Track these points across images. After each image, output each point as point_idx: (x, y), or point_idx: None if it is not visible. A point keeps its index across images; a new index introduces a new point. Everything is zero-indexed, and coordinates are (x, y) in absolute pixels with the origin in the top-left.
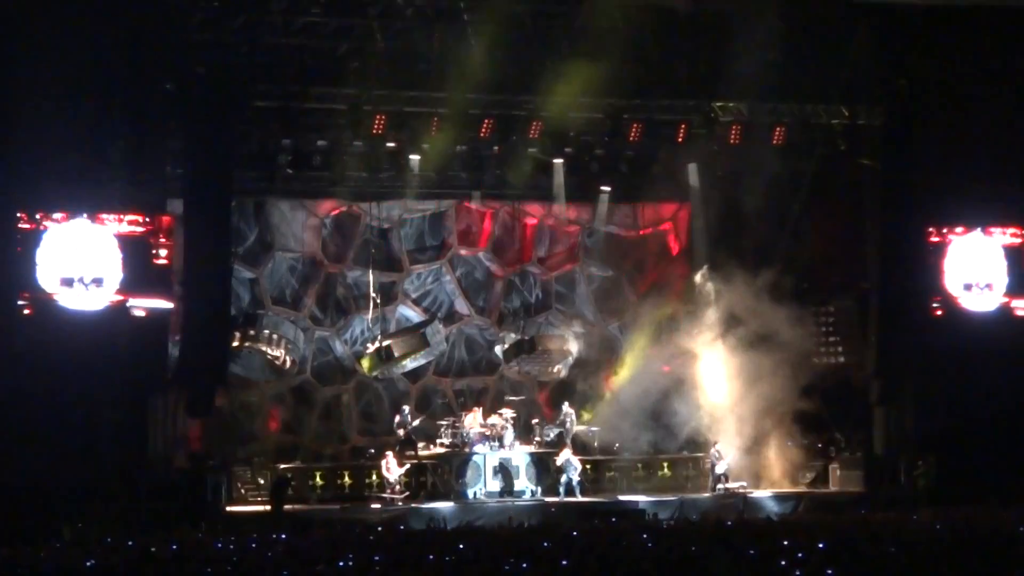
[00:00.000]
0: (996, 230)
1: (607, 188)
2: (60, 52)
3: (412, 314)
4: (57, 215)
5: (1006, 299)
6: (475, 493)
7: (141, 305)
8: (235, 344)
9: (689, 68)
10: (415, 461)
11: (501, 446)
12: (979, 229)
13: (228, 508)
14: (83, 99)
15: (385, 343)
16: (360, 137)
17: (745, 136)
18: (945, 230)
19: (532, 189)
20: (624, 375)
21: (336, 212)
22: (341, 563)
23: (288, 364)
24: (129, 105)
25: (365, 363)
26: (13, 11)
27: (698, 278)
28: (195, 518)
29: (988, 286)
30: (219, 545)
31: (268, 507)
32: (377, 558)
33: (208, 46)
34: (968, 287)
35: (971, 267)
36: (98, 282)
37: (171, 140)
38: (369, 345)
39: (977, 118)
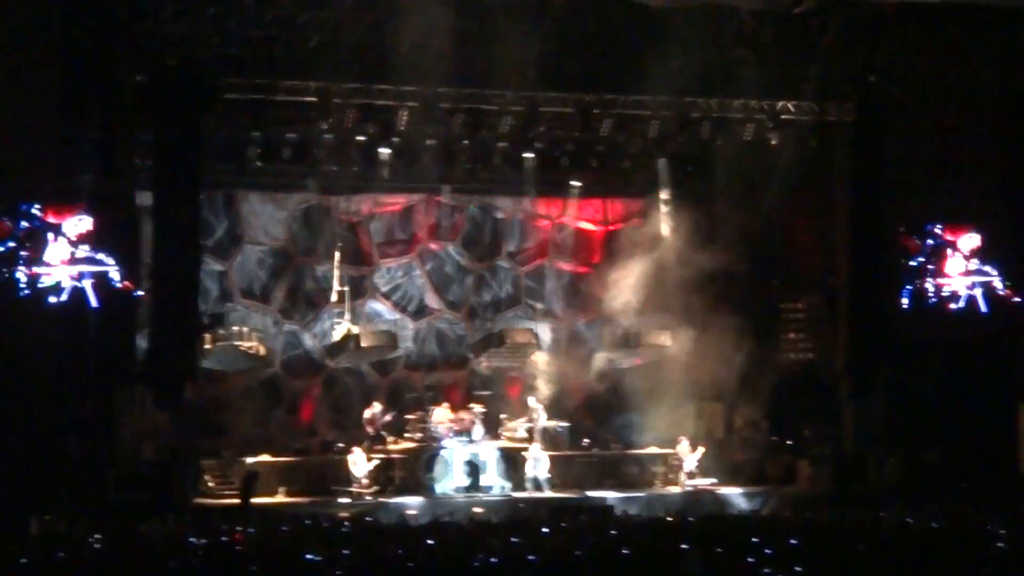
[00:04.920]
0: (969, 227)
1: (577, 183)
2: (30, 42)
3: (382, 308)
4: (29, 207)
5: (978, 296)
6: (443, 488)
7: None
8: (207, 346)
9: (660, 63)
10: (384, 456)
11: (470, 441)
12: (952, 226)
13: (196, 501)
14: (52, 90)
15: (354, 331)
16: (330, 130)
17: (716, 132)
18: (917, 227)
19: (502, 183)
20: (593, 370)
21: (306, 205)
22: (309, 556)
23: (263, 352)
24: (98, 97)
25: (332, 348)
26: None
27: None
28: (163, 511)
29: (960, 283)
30: (187, 538)
31: (236, 500)
32: (345, 552)
33: (178, 38)
34: (939, 284)
35: (942, 264)
36: (69, 273)
37: (140, 132)
38: (336, 327)
39: (949, 115)
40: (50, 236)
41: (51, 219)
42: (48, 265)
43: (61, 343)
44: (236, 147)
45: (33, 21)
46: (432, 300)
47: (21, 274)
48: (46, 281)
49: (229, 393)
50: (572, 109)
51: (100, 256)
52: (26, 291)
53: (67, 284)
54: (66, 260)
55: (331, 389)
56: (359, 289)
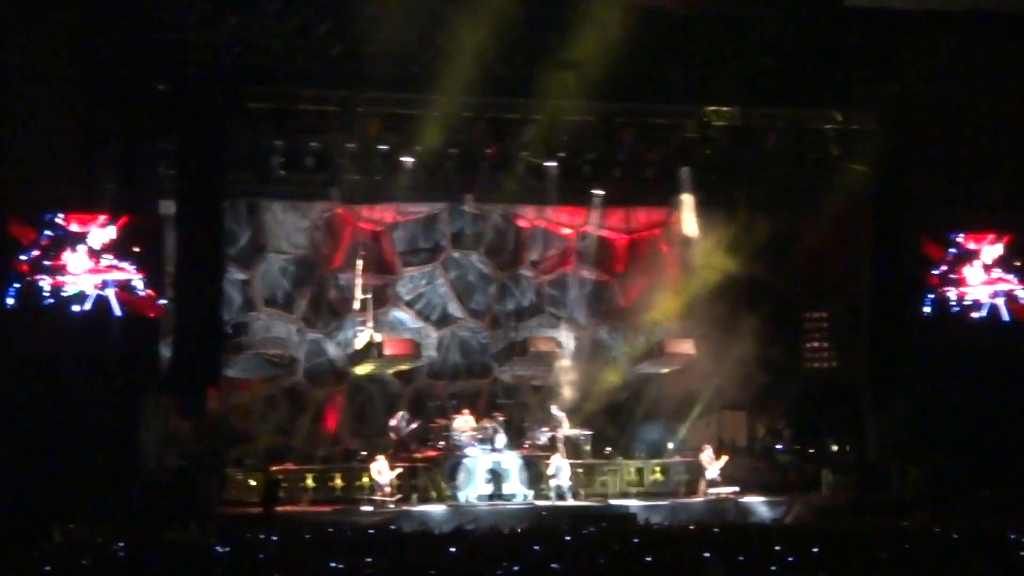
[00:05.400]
0: (991, 236)
1: (600, 192)
2: (52, 52)
3: (405, 317)
4: (52, 216)
5: (1000, 305)
6: (466, 496)
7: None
8: (231, 355)
9: (682, 72)
10: (407, 464)
11: (493, 449)
12: (974, 235)
13: (219, 509)
14: (75, 100)
15: (376, 338)
16: (353, 139)
17: (738, 141)
18: (941, 236)
19: (525, 192)
20: (615, 379)
21: (328, 214)
22: (332, 564)
23: (287, 359)
24: (121, 106)
25: (354, 355)
26: (4, 11)
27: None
28: (186, 519)
29: (982, 292)
30: (213, 546)
31: (259, 508)
32: (368, 560)
33: (200, 47)
34: (961, 293)
35: (965, 273)
36: (93, 282)
37: (163, 141)
38: (359, 334)
39: (972, 123)
40: (73, 245)
41: (74, 228)
42: (71, 274)
43: (84, 352)
44: (259, 156)
45: (55, 31)
46: (455, 309)
47: (44, 283)
48: (69, 290)
49: (252, 401)
50: (594, 118)
51: (123, 265)
52: (50, 300)
53: (91, 293)
54: (89, 269)
55: (354, 398)
56: (382, 298)
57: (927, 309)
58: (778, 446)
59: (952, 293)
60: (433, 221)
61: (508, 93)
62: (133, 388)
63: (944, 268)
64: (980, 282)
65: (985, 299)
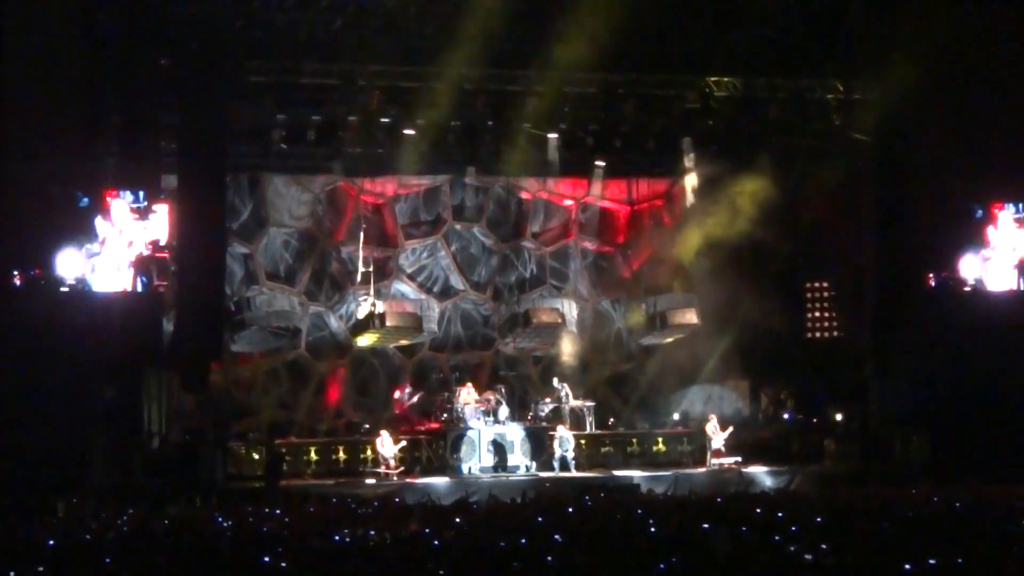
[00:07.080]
0: (997, 204)
1: (602, 163)
2: (54, 27)
3: (407, 289)
4: (58, 190)
5: (1004, 274)
6: (470, 468)
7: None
8: (237, 332)
9: (684, 43)
10: (410, 437)
11: (496, 421)
12: (979, 204)
13: (223, 483)
14: (77, 74)
15: (378, 308)
16: (355, 112)
17: (740, 111)
18: (941, 204)
19: (527, 164)
20: (618, 349)
21: (331, 187)
22: (336, 537)
23: (291, 331)
24: (123, 80)
25: (356, 327)
26: None
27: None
28: (190, 493)
29: (986, 261)
30: (216, 520)
31: (263, 482)
32: (372, 533)
33: (203, 21)
34: (968, 262)
35: (971, 242)
36: (97, 256)
37: (165, 115)
38: (362, 305)
39: (973, 92)
40: (84, 219)
41: (85, 202)
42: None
43: (89, 327)
44: (261, 130)
45: (58, 6)
46: (457, 281)
47: (50, 257)
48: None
49: (255, 375)
50: (596, 89)
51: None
52: (56, 274)
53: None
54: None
55: (357, 371)
56: (384, 270)
57: (931, 278)
58: (782, 416)
59: (957, 262)
60: (435, 193)
61: (510, 65)
62: (136, 363)
63: (948, 237)
64: (984, 251)
65: (990, 268)
